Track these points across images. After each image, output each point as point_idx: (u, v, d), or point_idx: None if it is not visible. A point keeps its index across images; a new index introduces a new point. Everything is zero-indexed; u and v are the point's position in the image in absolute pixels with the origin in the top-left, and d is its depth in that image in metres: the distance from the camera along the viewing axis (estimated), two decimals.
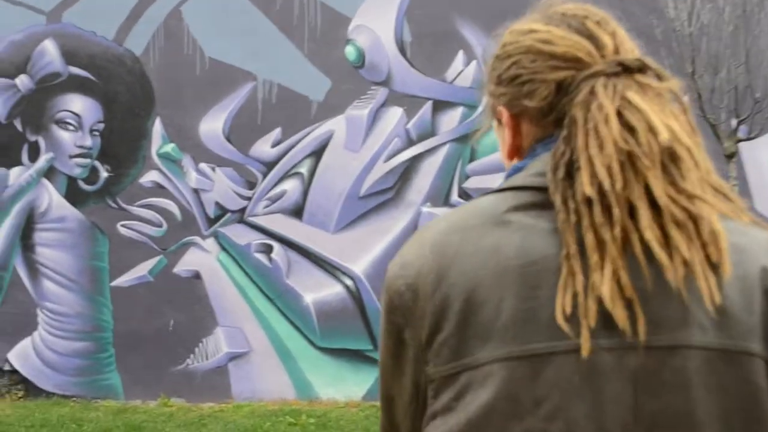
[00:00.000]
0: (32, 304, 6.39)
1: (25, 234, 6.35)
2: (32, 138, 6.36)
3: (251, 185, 6.44)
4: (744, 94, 5.66)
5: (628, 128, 1.01)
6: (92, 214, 6.38)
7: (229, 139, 6.43)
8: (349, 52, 6.38)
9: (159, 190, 6.42)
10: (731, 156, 5.67)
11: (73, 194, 6.38)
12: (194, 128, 6.40)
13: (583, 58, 1.07)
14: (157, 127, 6.39)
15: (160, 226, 6.40)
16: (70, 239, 6.34)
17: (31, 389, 6.40)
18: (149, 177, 6.41)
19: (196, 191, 6.42)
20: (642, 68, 1.07)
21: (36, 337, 6.40)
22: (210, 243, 6.43)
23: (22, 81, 6.32)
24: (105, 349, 6.39)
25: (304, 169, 6.45)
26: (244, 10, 6.41)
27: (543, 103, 1.09)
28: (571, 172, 1.02)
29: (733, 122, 5.67)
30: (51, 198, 6.34)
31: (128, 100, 6.36)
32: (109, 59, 6.37)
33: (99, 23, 6.37)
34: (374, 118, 6.39)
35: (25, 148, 6.36)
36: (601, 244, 0.98)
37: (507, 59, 1.13)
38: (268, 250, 6.39)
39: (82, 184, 6.37)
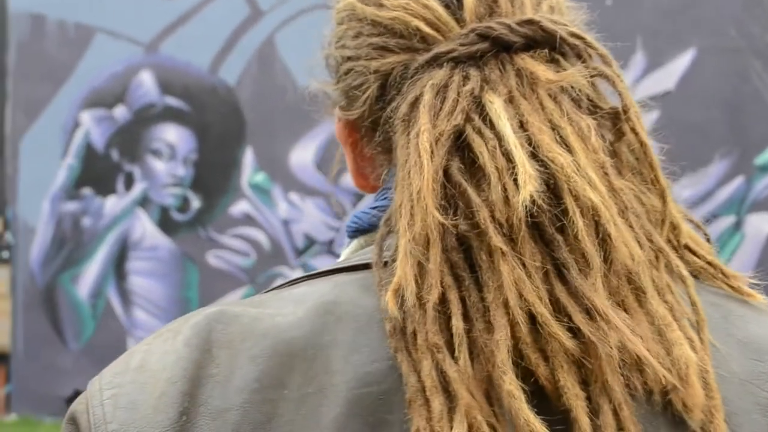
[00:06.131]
0: (124, 332, 6.41)
1: (119, 263, 6.40)
2: (127, 168, 6.41)
3: (340, 216, 6.29)
4: None
5: (471, 172, 0.57)
6: (183, 243, 6.37)
7: (320, 169, 6.31)
8: None
9: (249, 219, 6.36)
10: None
11: (166, 224, 6.38)
12: (285, 158, 6.32)
13: (427, 32, 0.62)
14: (248, 157, 6.34)
15: (248, 256, 6.33)
16: (162, 269, 6.34)
17: None
18: (239, 207, 6.35)
19: (285, 222, 6.32)
20: (535, 41, 0.60)
21: None
22: (298, 274, 6.26)
23: (120, 112, 6.40)
24: None
25: None
26: None
27: (362, 112, 0.68)
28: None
29: None
30: (144, 227, 6.37)
31: (221, 130, 6.34)
32: (203, 89, 6.37)
33: (194, 54, 6.39)
34: None
35: (121, 178, 6.42)
36: (444, 385, 0.55)
37: (340, 27, 0.71)
38: None
39: (174, 214, 6.37)
